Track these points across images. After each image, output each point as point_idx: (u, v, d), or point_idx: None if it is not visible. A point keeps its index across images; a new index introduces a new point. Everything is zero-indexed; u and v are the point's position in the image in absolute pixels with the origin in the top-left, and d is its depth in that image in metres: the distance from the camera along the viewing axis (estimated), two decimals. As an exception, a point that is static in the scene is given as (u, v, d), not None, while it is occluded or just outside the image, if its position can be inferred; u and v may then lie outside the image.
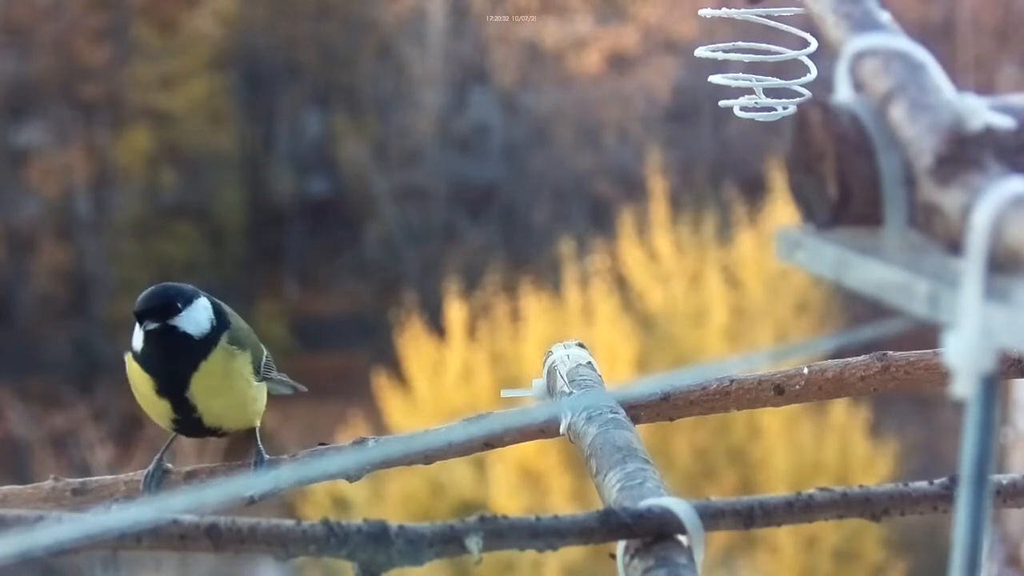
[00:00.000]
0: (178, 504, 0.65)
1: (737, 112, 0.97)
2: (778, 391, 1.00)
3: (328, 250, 10.23)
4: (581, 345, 1.04)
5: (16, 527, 0.63)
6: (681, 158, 9.42)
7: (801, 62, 0.95)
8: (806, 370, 1.00)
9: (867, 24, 0.56)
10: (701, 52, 0.97)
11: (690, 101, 9.76)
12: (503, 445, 1.01)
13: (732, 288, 7.09)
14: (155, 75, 10.19)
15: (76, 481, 0.96)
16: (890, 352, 0.99)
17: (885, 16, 0.57)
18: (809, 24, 0.90)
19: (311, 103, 10.90)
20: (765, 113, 0.96)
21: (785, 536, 5.94)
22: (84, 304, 9.83)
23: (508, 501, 6.02)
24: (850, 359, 1.00)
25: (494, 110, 10.62)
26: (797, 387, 0.99)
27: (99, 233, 10.11)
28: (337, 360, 9.39)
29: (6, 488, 0.95)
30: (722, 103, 0.98)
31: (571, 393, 0.95)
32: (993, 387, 0.48)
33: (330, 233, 10.24)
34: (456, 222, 9.76)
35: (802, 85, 0.95)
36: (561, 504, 5.81)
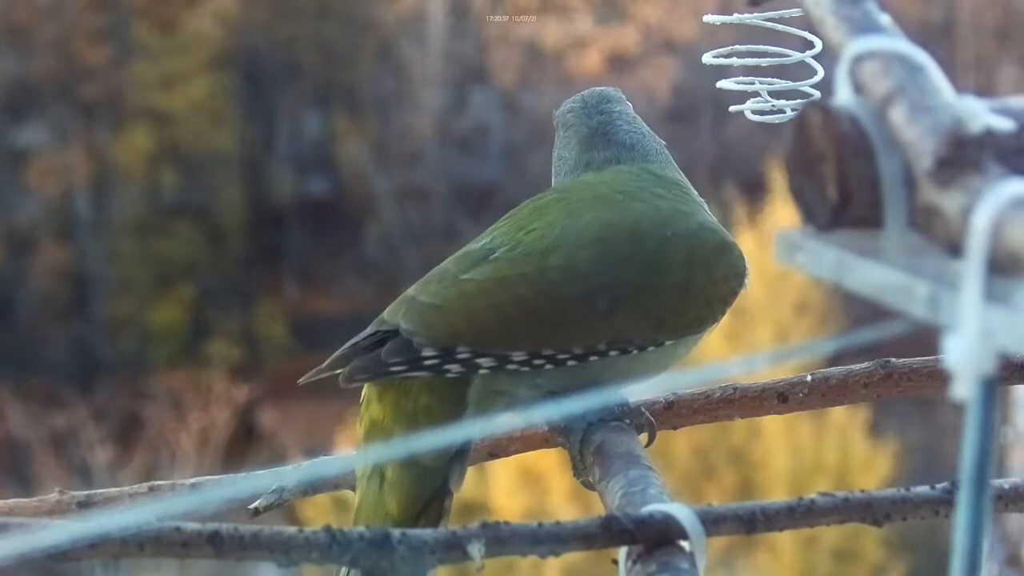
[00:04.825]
0: (179, 510, 0.65)
1: (749, 116, 0.97)
2: (782, 399, 1.00)
3: (328, 250, 10.23)
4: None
5: (18, 533, 0.63)
6: (681, 158, 9.34)
7: (806, 63, 0.95)
8: (809, 378, 1.00)
9: (867, 26, 0.57)
10: (708, 59, 0.97)
11: (690, 101, 9.77)
12: (508, 455, 1.01)
13: (732, 288, 7.08)
14: (155, 75, 10.19)
15: (82, 494, 0.96)
16: (892, 359, 0.99)
17: (885, 18, 0.57)
18: (810, 26, 0.90)
19: (311, 103, 10.90)
20: (776, 116, 0.97)
21: (784, 536, 5.93)
22: (84, 304, 9.83)
23: (508, 501, 6.02)
24: (853, 366, 1.00)
25: (494, 110, 10.62)
26: (801, 395, 0.99)
27: (99, 233, 10.11)
28: (337, 360, 9.37)
29: (11, 501, 0.95)
30: (732, 108, 0.98)
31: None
32: (993, 389, 0.49)
33: (330, 233, 10.25)
34: (456, 222, 9.76)
35: (811, 86, 0.95)
36: (561, 504, 5.81)
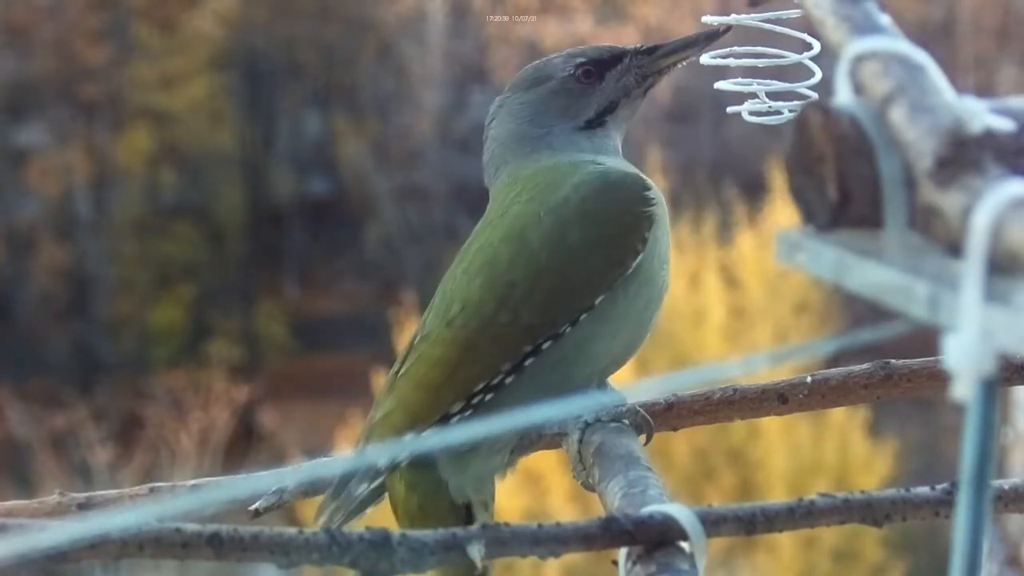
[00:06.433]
0: (180, 510, 0.65)
1: (746, 117, 0.97)
2: (782, 400, 1.00)
3: (328, 250, 10.24)
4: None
5: (18, 534, 0.63)
6: (681, 158, 9.42)
7: (804, 64, 0.95)
8: (809, 379, 1.00)
9: (867, 27, 0.56)
10: (707, 60, 0.97)
11: (690, 101, 9.77)
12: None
13: (731, 288, 7.10)
14: (155, 75, 10.20)
15: (82, 495, 0.96)
16: (892, 360, 0.99)
17: (885, 18, 0.57)
18: (809, 27, 0.90)
19: (311, 103, 10.91)
20: (773, 117, 0.96)
21: (784, 536, 5.94)
22: (84, 304, 9.84)
23: (508, 501, 6.02)
24: (853, 368, 0.99)
25: (494, 110, 10.62)
26: (801, 396, 0.99)
27: (99, 233, 10.12)
28: (337, 360, 9.40)
29: (11, 503, 0.95)
30: (730, 109, 0.98)
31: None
32: (993, 390, 0.48)
33: (330, 233, 10.25)
34: (456, 222, 9.76)
35: (809, 87, 0.94)
36: (561, 505, 5.81)
